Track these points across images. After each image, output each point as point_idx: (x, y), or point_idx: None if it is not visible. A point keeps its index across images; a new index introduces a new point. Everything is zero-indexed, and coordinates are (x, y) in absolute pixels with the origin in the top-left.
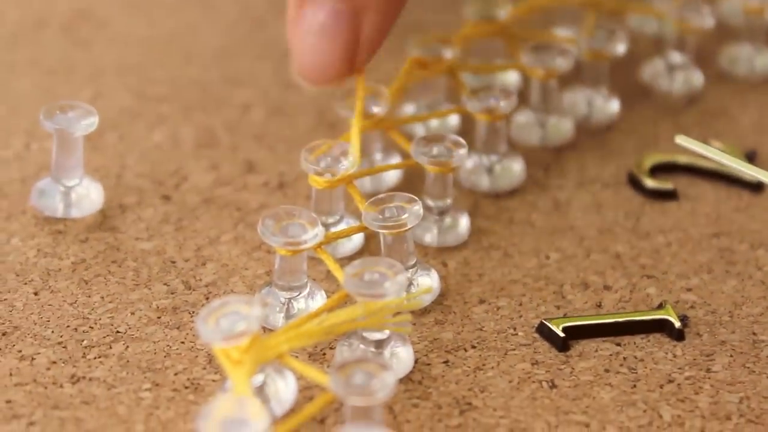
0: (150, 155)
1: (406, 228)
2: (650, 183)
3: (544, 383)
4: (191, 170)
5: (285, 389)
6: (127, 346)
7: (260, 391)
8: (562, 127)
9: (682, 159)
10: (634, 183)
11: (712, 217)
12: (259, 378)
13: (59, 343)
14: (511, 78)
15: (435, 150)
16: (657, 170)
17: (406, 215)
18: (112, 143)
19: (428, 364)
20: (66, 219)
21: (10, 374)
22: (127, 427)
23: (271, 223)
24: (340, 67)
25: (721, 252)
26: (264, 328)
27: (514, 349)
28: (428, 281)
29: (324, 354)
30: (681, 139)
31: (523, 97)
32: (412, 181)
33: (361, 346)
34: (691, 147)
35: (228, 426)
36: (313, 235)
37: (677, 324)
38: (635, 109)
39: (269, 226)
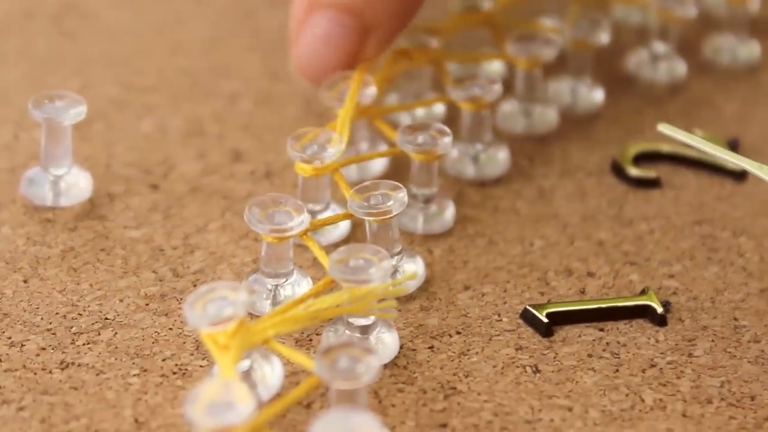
0: (138, 145)
1: (391, 215)
2: (634, 171)
3: (527, 368)
4: (179, 159)
5: (271, 374)
6: (116, 333)
7: (247, 376)
8: (547, 116)
9: (666, 148)
10: (618, 171)
11: (694, 204)
12: (245, 363)
13: (48, 329)
14: (496, 67)
15: (420, 138)
16: (640, 159)
17: (391, 202)
18: (100, 133)
19: (413, 350)
20: (55, 208)
21: (0, 360)
22: (115, 412)
23: (257, 210)
24: (337, 71)
25: (703, 239)
26: (251, 315)
27: (498, 335)
28: (413, 268)
29: (310, 340)
30: (664, 128)
31: (508, 86)
32: (398, 170)
33: (347, 331)
34: (673, 135)
35: (215, 409)
36: (299, 222)
37: (659, 310)
38: (619, 98)
39: (256, 214)
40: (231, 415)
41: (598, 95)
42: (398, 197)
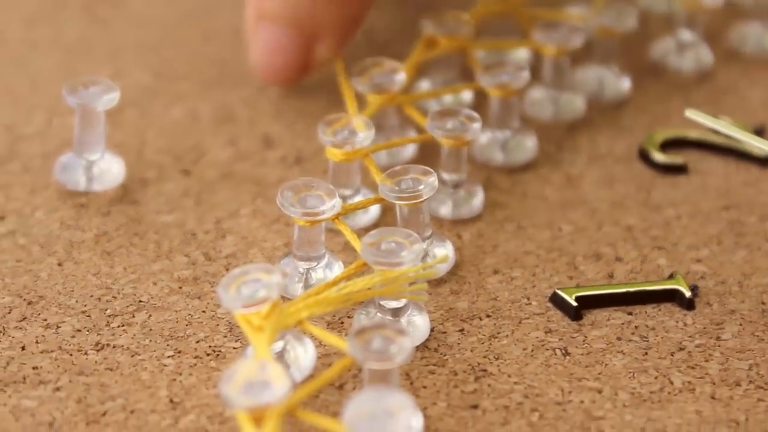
0: (169, 131)
1: (422, 199)
2: (661, 157)
3: (557, 351)
4: (210, 146)
5: (304, 356)
6: (150, 315)
7: (280, 357)
8: (574, 104)
9: (693, 134)
10: (645, 158)
11: (721, 190)
12: (279, 344)
13: (83, 312)
14: (523, 55)
15: (450, 124)
16: (667, 145)
17: (422, 187)
18: (132, 120)
19: (444, 332)
20: (88, 193)
21: (36, 342)
22: (151, 393)
23: (290, 194)
24: (291, 76)
25: (730, 224)
26: (283, 298)
27: (527, 318)
28: (443, 252)
29: (342, 323)
30: (691, 113)
31: (535, 74)
32: (427, 156)
33: (379, 314)
34: (701, 120)
35: (250, 388)
36: (331, 206)
37: (688, 294)
38: (645, 86)
39: (288, 197)
40: (267, 395)
41: (624, 83)
42: (429, 182)
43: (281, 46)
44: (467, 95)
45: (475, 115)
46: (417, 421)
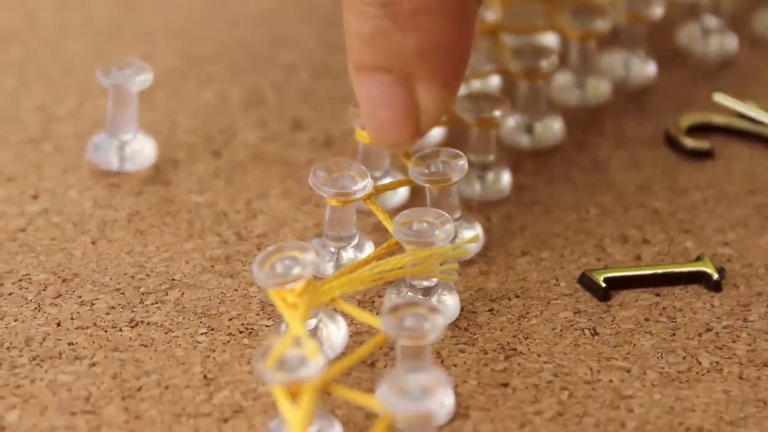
0: (199, 113)
1: (452, 182)
2: (687, 142)
3: (586, 331)
4: (240, 127)
5: (336, 333)
6: (183, 293)
7: (313, 335)
8: (600, 88)
9: (718, 119)
10: (671, 142)
11: (747, 174)
12: (311, 322)
13: (117, 289)
14: (551, 40)
15: (479, 107)
16: (693, 131)
17: (451, 170)
18: (162, 102)
19: (474, 312)
20: (120, 172)
21: (72, 318)
22: (185, 369)
23: (322, 174)
24: (404, 134)
25: (757, 208)
26: (314, 277)
27: (556, 299)
28: (473, 233)
29: (372, 302)
30: (719, 97)
31: (561, 58)
32: (456, 139)
33: (409, 293)
34: (729, 104)
35: (286, 363)
36: (363, 186)
37: (715, 276)
38: (671, 72)
39: (320, 177)
40: (303, 370)
41: (650, 68)
42: (458, 165)
43: (381, 97)
44: (495, 80)
45: (504, 98)
46: (449, 398)
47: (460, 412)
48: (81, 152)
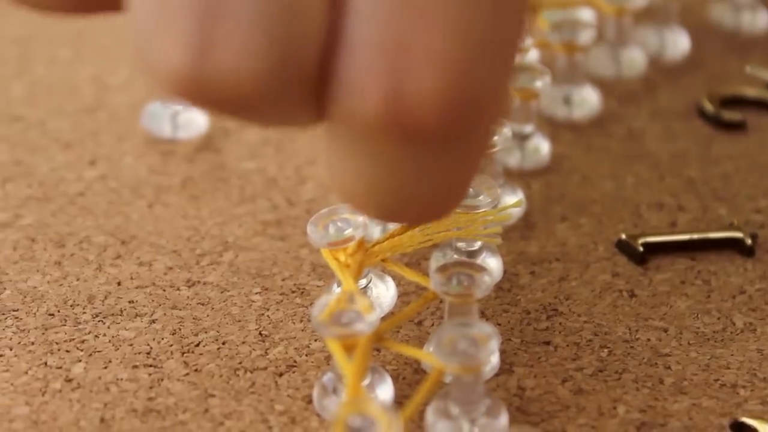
0: None
1: (496, 149)
2: (720, 114)
3: (624, 292)
4: None
5: (386, 293)
6: (237, 255)
7: (363, 294)
8: (636, 62)
9: (751, 92)
10: (704, 115)
11: None
12: (362, 282)
13: (174, 251)
14: (587, 15)
15: (520, 78)
16: (726, 103)
17: (496, 137)
18: None
19: (516, 275)
20: (173, 140)
21: (131, 278)
22: (241, 326)
23: None
24: None
25: None
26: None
27: (595, 262)
28: (515, 199)
29: (419, 264)
30: (752, 68)
31: (598, 33)
32: None
33: (455, 255)
34: (761, 74)
35: (340, 318)
36: None
37: (748, 241)
38: (704, 46)
39: None
40: (357, 324)
41: (684, 42)
42: (502, 133)
43: None
44: (533, 53)
45: (545, 68)
46: (494, 356)
47: (504, 368)
48: (135, 121)
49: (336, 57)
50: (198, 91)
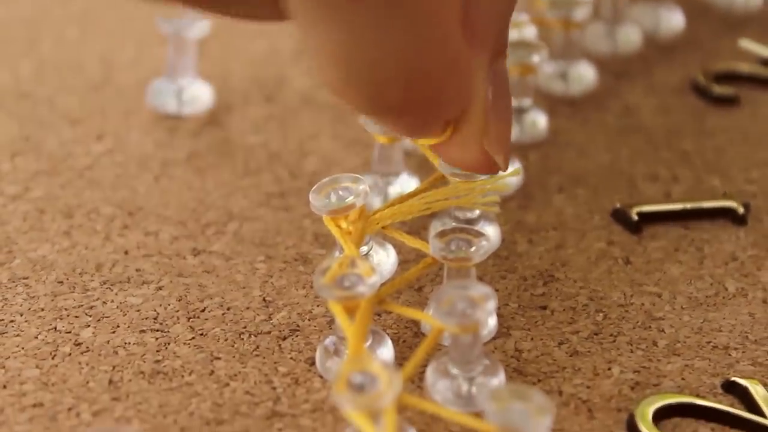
0: (252, 62)
1: None
2: (713, 89)
3: (619, 259)
4: (291, 76)
5: (386, 260)
6: (241, 225)
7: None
8: (631, 38)
9: (744, 68)
10: (698, 90)
11: None
12: (363, 249)
13: (179, 221)
14: None
15: (517, 53)
16: (719, 79)
17: None
18: (216, 52)
19: (514, 243)
20: (179, 116)
21: (138, 247)
22: (245, 292)
23: None
24: None
25: None
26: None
27: (591, 231)
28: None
29: (418, 233)
30: (745, 42)
31: (595, 10)
32: None
33: (454, 224)
34: (753, 49)
35: (342, 281)
36: None
37: (740, 210)
38: (698, 23)
39: None
40: (359, 287)
41: (678, 19)
42: None
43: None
44: (531, 30)
45: (541, 44)
46: (492, 319)
47: (502, 332)
48: (141, 98)
49: None
50: None
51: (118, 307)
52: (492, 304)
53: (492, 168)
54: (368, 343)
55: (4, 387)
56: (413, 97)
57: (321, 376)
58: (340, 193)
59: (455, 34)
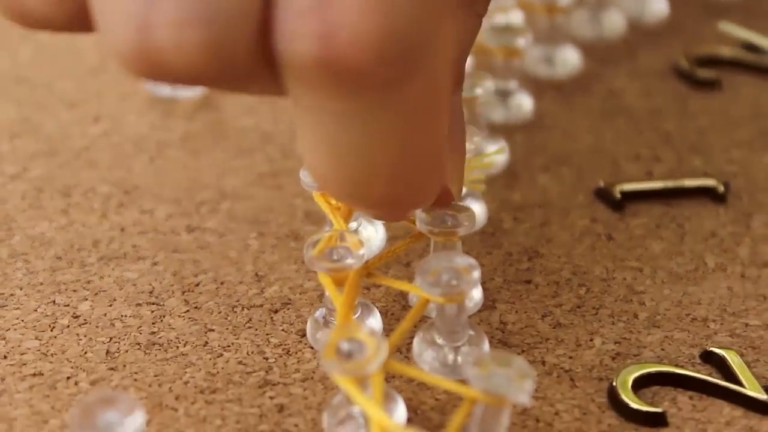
0: None
1: (479, 102)
2: (696, 73)
3: (602, 236)
4: None
5: (375, 236)
6: (234, 203)
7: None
8: (615, 24)
9: (725, 53)
10: (681, 74)
11: (752, 102)
12: (352, 225)
13: (174, 200)
14: None
15: (503, 36)
16: (702, 63)
17: (478, 90)
18: None
19: (500, 220)
20: (174, 99)
21: (134, 224)
22: (238, 267)
23: None
24: None
25: (760, 130)
26: None
27: (575, 209)
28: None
29: None
30: (726, 26)
31: None
32: (481, 67)
33: None
34: (733, 32)
35: (331, 254)
36: None
37: (721, 189)
38: (681, 9)
39: None
40: (347, 259)
41: (662, 5)
42: (485, 85)
43: None
44: (517, 14)
45: (526, 28)
46: (477, 292)
47: (488, 305)
48: (137, 82)
49: (275, 13)
50: (151, 66)
51: (114, 281)
52: (476, 275)
53: (447, 198)
54: (357, 315)
55: (5, 357)
56: (396, 192)
57: (311, 347)
58: None
59: (442, 135)
